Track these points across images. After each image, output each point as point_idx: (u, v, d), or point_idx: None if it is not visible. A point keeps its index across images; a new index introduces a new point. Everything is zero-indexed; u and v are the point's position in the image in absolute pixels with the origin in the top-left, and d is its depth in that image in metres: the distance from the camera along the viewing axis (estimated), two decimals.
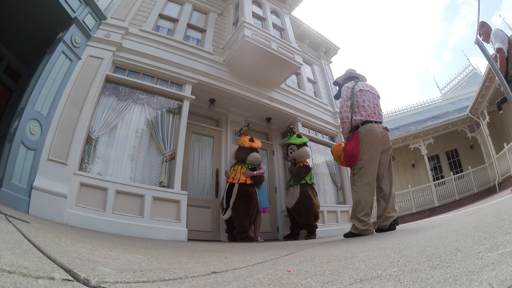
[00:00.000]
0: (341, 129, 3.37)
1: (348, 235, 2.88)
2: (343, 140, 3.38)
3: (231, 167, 4.79)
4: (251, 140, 4.85)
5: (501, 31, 3.56)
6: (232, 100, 5.47)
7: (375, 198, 3.02)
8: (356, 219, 2.82)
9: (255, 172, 4.62)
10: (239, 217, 4.22)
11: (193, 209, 4.50)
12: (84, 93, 3.71)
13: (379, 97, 3.32)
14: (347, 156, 3.08)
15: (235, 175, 4.54)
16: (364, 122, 3.02)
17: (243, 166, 4.64)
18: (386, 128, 3.12)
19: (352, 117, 3.08)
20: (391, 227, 2.84)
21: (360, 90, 3.18)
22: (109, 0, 4.55)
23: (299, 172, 4.96)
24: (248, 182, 4.46)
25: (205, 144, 5.39)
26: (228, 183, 4.54)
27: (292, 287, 0.75)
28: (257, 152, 4.82)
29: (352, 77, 3.51)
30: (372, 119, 3.04)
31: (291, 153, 5.21)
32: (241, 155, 4.72)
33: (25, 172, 2.96)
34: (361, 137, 2.98)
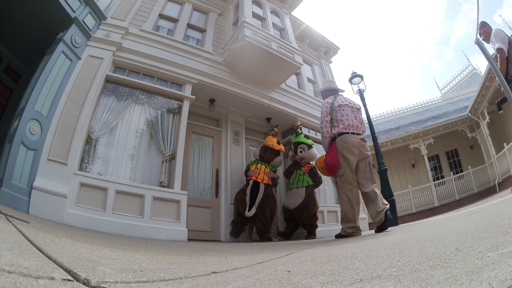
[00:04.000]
0: (322, 143, 3.58)
1: (339, 236, 3.10)
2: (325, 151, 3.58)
3: (252, 164, 4.78)
4: (279, 143, 4.99)
5: (501, 31, 3.56)
6: (232, 100, 5.47)
7: (362, 201, 3.29)
8: (345, 222, 3.05)
9: (275, 175, 4.80)
10: (264, 216, 4.36)
11: (193, 209, 4.50)
12: (84, 93, 3.71)
13: (359, 109, 3.51)
14: (329, 167, 3.29)
15: (258, 174, 4.61)
16: (340, 134, 3.26)
17: (267, 167, 4.72)
18: (363, 139, 3.33)
19: (331, 130, 3.33)
20: (387, 218, 2.97)
21: (339, 106, 3.39)
22: (109, 0, 4.55)
23: (319, 178, 5.00)
24: (270, 183, 4.62)
25: (205, 144, 5.38)
26: (252, 181, 4.56)
27: (292, 287, 0.75)
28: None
29: (332, 90, 3.73)
30: (349, 131, 3.27)
31: (300, 151, 5.10)
32: (269, 155, 4.81)
33: (25, 172, 2.96)
34: (338, 147, 3.23)
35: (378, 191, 3.15)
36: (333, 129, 3.33)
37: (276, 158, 4.86)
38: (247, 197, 4.45)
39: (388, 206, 3.06)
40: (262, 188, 4.48)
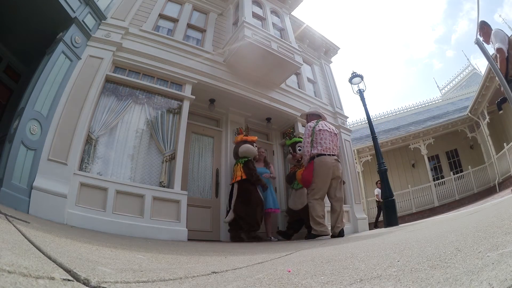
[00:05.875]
0: (302, 160, 4.31)
1: (310, 237, 3.85)
2: (303, 167, 4.32)
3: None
4: (245, 136, 4.87)
5: (501, 31, 3.56)
6: (232, 100, 5.47)
7: (328, 209, 4.16)
8: (315, 224, 3.79)
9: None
10: (245, 217, 4.16)
11: (193, 209, 4.49)
12: (84, 93, 3.71)
13: (336, 134, 4.25)
14: (304, 180, 4.09)
15: (234, 174, 4.50)
16: (319, 155, 3.93)
17: (240, 163, 4.53)
18: (337, 160, 4.06)
19: (311, 150, 4.00)
20: (340, 234, 3.79)
21: (320, 130, 4.07)
22: (109, 0, 4.54)
23: None
24: (244, 177, 4.34)
25: (205, 144, 5.38)
26: (231, 185, 4.50)
27: (292, 287, 0.75)
28: (251, 145, 4.71)
29: (316, 115, 4.44)
30: (326, 153, 3.95)
31: (299, 149, 5.04)
32: (235, 150, 4.70)
33: (25, 172, 2.96)
34: (315, 166, 3.90)
35: (343, 209, 4.00)
36: (313, 149, 3.98)
37: (241, 147, 4.58)
38: (227, 204, 4.40)
39: (343, 226, 3.93)
40: (235, 188, 4.33)
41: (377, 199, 9.95)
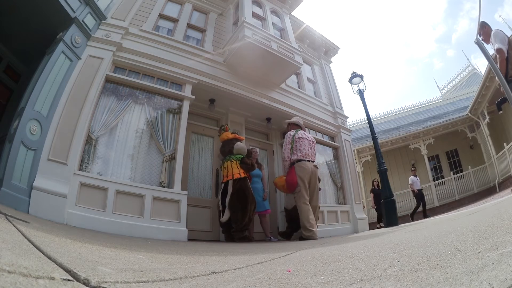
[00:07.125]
0: (283, 165, 4.61)
1: (300, 238, 4.08)
2: (284, 173, 4.62)
3: (221, 167, 4.59)
4: (232, 133, 4.74)
5: (501, 32, 3.56)
6: (232, 100, 5.47)
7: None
8: (304, 229, 4.03)
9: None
10: (236, 214, 4.00)
11: (193, 209, 4.50)
12: (84, 93, 3.71)
13: (314, 142, 4.66)
14: (288, 184, 4.30)
15: (227, 172, 4.31)
16: (299, 160, 4.27)
17: (233, 160, 4.37)
18: (316, 166, 4.43)
19: (291, 156, 4.33)
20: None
21: (299, 138, 4.42)
22: (109, 0, 4.54)
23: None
24: (243, 175, 4.23)
25: (205, 144, 5.38)
26: (223, 184, 4.36)
27: (292, 287, 0.75)
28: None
29: (296, 124, 4.83)
30: (305, 159, 4.30)
31: None
32: (227, 147, 4.51)
33: (25, 172, 2.96)
34: (296, 171, 4.23)
35: (318, 213, 4.36)
36: (293, 155, 4.30)
37: (236, 145, 4.45)
38: (219, 203, 4.31)
39: (316, 228, 4.22)
40: (230, 186, 4.19)
41: (411, 189, 9.18)
